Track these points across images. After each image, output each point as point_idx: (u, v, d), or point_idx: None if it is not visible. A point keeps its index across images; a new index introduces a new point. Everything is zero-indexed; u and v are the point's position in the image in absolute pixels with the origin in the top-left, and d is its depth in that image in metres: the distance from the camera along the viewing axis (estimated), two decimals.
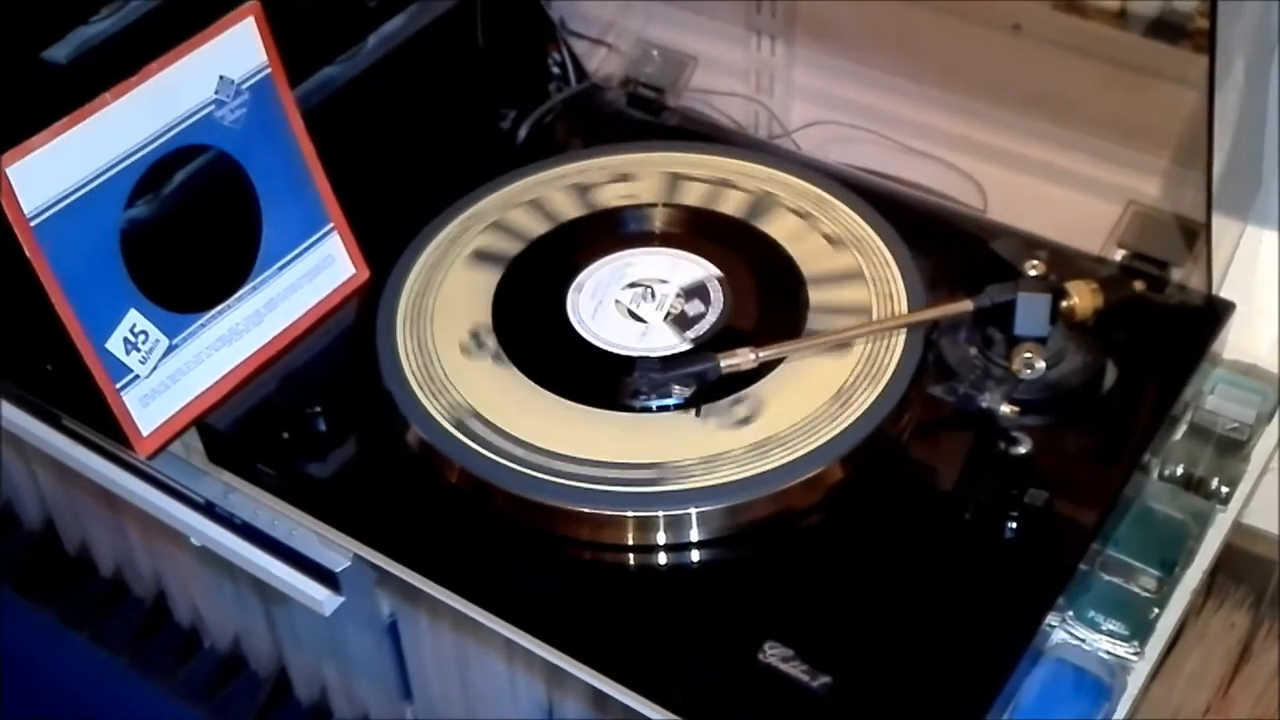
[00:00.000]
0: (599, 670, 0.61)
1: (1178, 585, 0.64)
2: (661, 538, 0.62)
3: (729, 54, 0.90)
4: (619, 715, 0.62)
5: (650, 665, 0.59)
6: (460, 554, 0.64)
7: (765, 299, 0.71)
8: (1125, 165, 0.77)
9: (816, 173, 0.78)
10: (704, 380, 0.65)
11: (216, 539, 0.73)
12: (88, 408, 0.68)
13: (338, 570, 0.69)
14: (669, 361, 0.65)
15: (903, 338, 0.67)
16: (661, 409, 0.65)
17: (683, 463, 0.62)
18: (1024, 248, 0.71)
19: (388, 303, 0.72)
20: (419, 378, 0.68)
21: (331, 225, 0.74)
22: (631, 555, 0.62)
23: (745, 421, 0.64)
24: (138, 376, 0.67)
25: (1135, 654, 0.61)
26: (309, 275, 0.73)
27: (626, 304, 0.71)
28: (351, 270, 0.75)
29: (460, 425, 0.65)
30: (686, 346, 0.68)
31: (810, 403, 0.64)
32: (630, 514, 0.61)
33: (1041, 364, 0.65)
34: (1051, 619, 0.60)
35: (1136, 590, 0.63)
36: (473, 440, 0.64)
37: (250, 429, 0.69)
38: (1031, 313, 0.65)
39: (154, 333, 0.67)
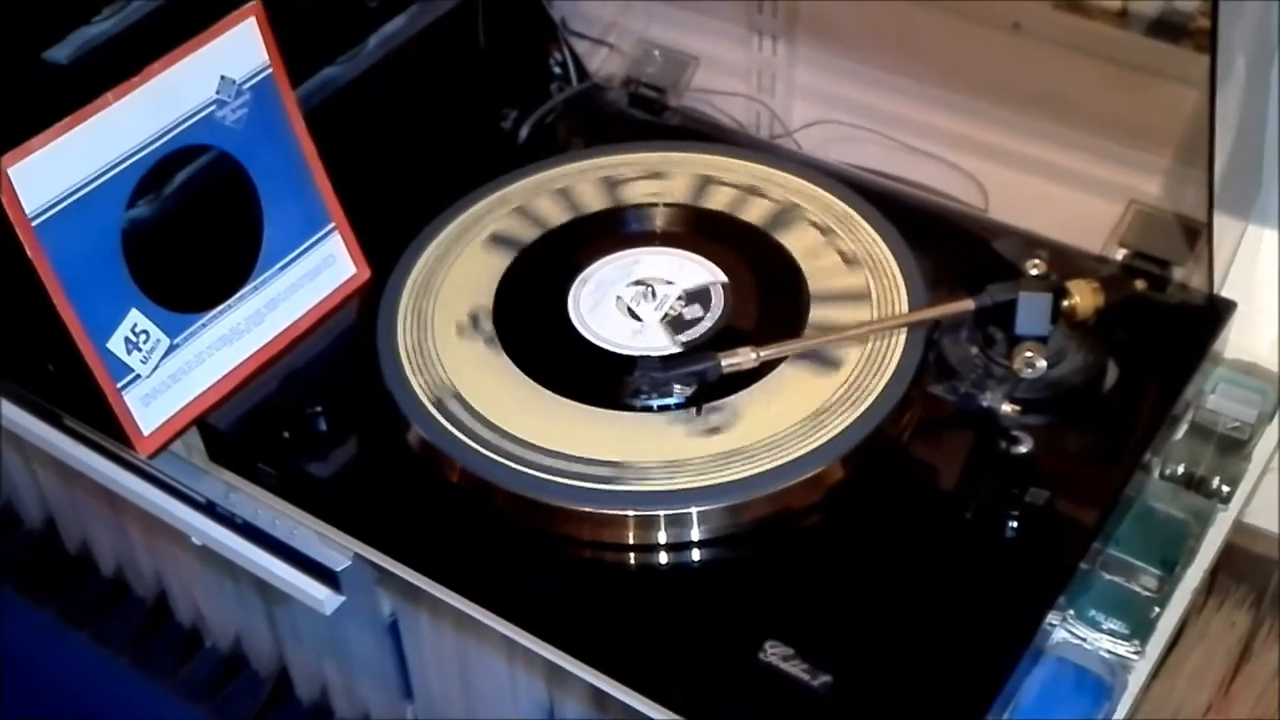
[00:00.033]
0: (599, 669, 0.61)
1: (1179, 584, 0.64)
2: (662, 537, 0.62)
3: (730, 54, 0.90)
4: (619, 714, 0.62)
5: (651, 664, 0.59)
6: (461, 553, 0.64)
7: (768, 312, 0.70)
8: (1126, 164, 0.77)
9: (839, 181, 0.77)
10: (705, 380, 0.65)
11: (217, 538, 0.73)
12: (89, 407, 0.68)
13: (338, 569, 0.69)
14: (670, 361, 0.65)
15: (904, 337, 0.67)
16: (663, 408, 0.65)
17: (686, 462, 0.63)
18: (1025, 247, 0.71)
19: (389, 302, 0.72)
20: (409, 352, 0.69)
21: (332, 225, 0.74)
22: (632, 554, 0.62)
23: (714, 430, 0.64)
24: (139, 376, 0.67)
25: (1136, 653, 0.61)
26: (310, 275, 0.73)
27: (627, 301, 0.71)
28: (352, 270, 0.75)
29: (439, 405, 0.66)
30: (676, 349, 0.68)
31: (789, 416, 0.64)
32: (631, 513, 0.61)
33: (1043, 363, 0.65)
34: (1052, 618, 0.60)
35: (1137, 589, 0.63)
36: (473, 440, 0.64)
37: (251, 428, 0.69)
38: (1033, 312, 0.65)
39: (155, 332, 0.67)
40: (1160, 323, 0.71)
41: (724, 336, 0.69)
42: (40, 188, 0.62)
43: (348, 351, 0.72)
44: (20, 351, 0.74)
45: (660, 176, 0.79)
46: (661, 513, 0.61)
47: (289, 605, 0.78)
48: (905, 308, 0.69)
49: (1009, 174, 0.81)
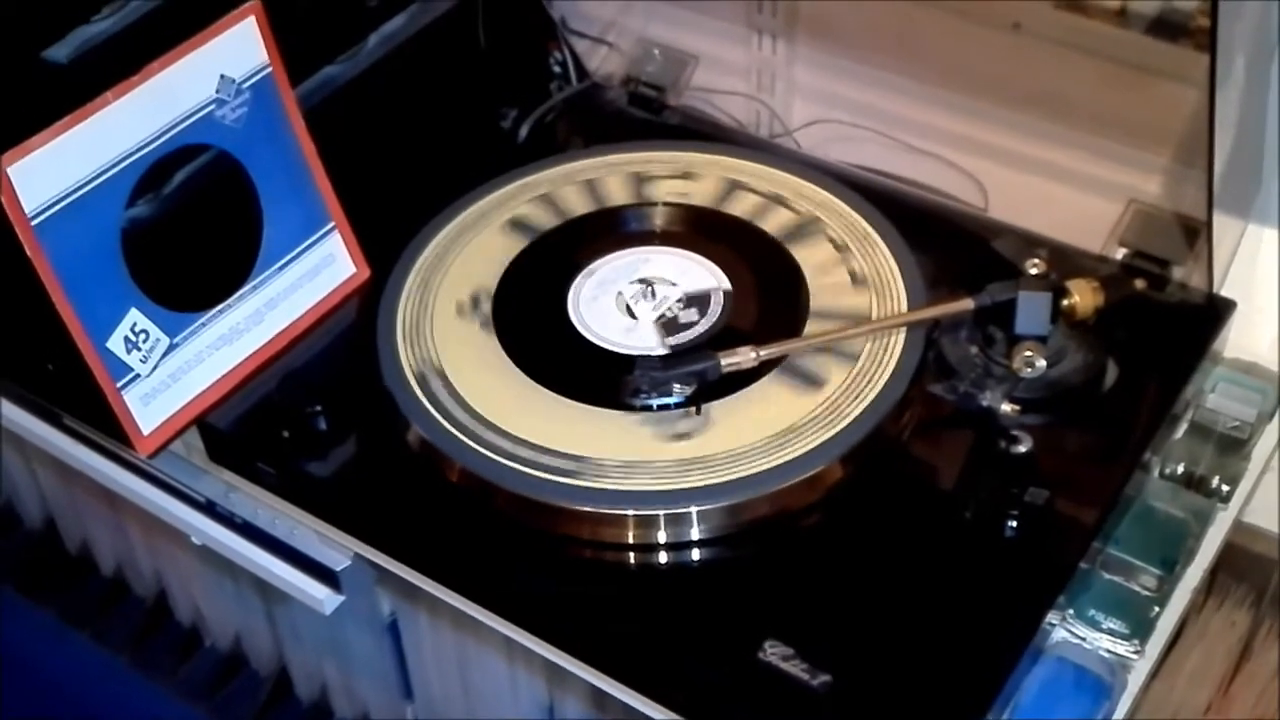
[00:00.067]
0: (599, 669, 0.61)
1: (1178, 584, 0.64)
2: (662, 536, 0.62)
3: (730, 53, 0.90)
4: (619, 714, 0.62)
5: (650, 664, 0.59)
6: (460, 553, 0.64)
7: (765, 323, 0.69)
8: (1126, 164, 0.77)
9: (858, 193, 0.77)
10: (704, 379, 0.65)
11: (217, 538, 0.73)
12: (88, 407, 0.68)
13: (338, 569, 0.69)
14: (670, 360, 0.65)
15: (903, 336, 0.67)
16: (662, 408, 0.65)
17: (682, 461, 0.63)
18: (1025, 246, 0.71)
19: (388, 301, 0.72)
20: (405, 328, 0.69)
21: (332, 224, 0.74)
22: (632, 554, 0.62)
23: (682, 436, 0.64)
24: (138, 375, 0.67)
25: (1136, 652, 0.61)
26: (310, 274, 0.73)
27: (627, 298, 0.71)
28: (352, 269, 0.75)
29: (422, 380, 0.67)
30: (663, 351, 0.68)
31: (757, 431, 0.64)
32: (630, 512, 0.61)
33: (1042, 362, 0.64)
34: (1052, 617, 0.60)
35: (1137, 589, 0.63)
36: (473, 440, 0.64)
37: (251, 428, 0.69)
38: (1032, 311, 0.65)
39: (155, 332, 0.67)
40: (1160, 322, 0.71)
41: (715, 343, 0.68)
42: (40, 187, 0.62)
43: (347, 351, 0.72)
44: (20, 351, 0.74)
45: (689, 177, 0.78)
46: (661, 512, 0.61)
47: (289, 605, 0.78)
48: (905, 307, 0.69)
49: (1009, 173, 0.81)
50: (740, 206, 0.76)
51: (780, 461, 0.62)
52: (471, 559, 0.64)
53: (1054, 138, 0.79)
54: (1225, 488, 0.68)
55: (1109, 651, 0.61)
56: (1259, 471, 0.70)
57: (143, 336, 0.67)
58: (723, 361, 0.64)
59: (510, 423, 0.65)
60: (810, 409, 0.64)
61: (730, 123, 0.89)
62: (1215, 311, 0.72)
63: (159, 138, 0.66)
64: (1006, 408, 0.66)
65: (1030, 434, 0.64)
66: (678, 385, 0.65)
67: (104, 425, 0.69)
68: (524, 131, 0.86)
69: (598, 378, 0.67)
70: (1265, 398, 0.71)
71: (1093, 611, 0.62)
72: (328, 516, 0.68)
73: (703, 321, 0.70)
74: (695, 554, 0.62)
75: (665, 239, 0.75)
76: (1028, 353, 0.64)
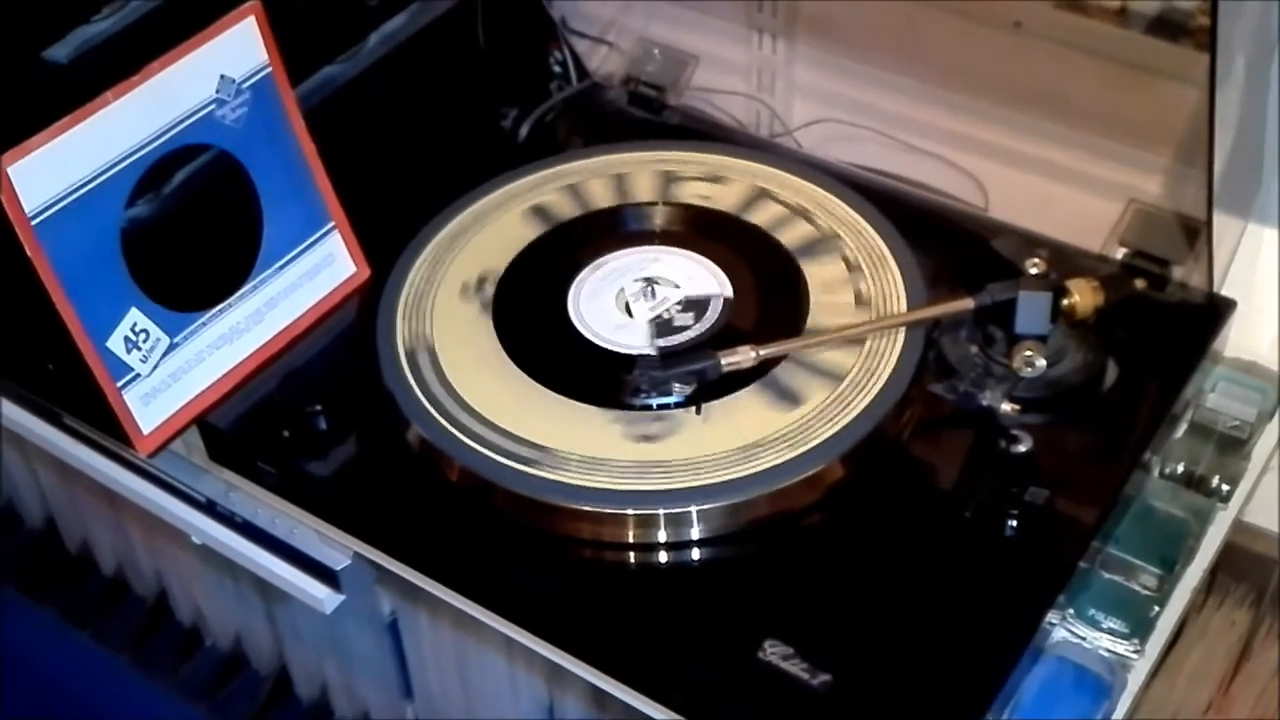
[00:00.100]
0: (599, 669, 0.61)
1: (1178, 583, 0.64)
2: (662, 535, 0.62)
3: (730, 52, 0.90)
4: (619, 714, 0.62)
5: (650, 663, 0.59)
6: (460, 552, 0.64)
7: (758, 333, 0.68)
8: (1126, 163, 0.77)
9: (871, 201, 0.76)
10: (704, 378, 0.65)
11: (217, 537, 0.73)
12: (89, 406, 0.68)
13: (338, 568, 0.69)
14: (669, 359, 0.65)
15: (903, 336, 0.67)
16: (663, 407, 0.65)
17: (684, 460, 0.63)
18: (1025, 246, 0.71)
19: (388, 301, 0.72)
20: (406, 304, 0.70)
21: (332, 224, 0.74)
22: (631, 553, 0.62)
23: (648, 438, 0.64)
24: (138, 375, 0.67)
25: (1135, 652, 0.61)
26: (310, 274, 0.73)
27: (627, 296, 0.71)
28: (352, 269, 0.75)
29: (411, 356, 0.67)
30: (650, 352, 0.68)
31: (722, 442, 0.64)
32: (630, 512, 0.61)
33: (1042, 362, 0.64)
34: (1052, 617, 0.60)
35: (1137, 588, 0.63)
36: (472, 439, 0.64)
37: (251, 427, 0.69)
38: (1032, 311, 0.65)
39: (155, 331, 0.67)
40: (1160, 321, 0.71)
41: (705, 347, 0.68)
42: (40, 187, 0.62)
43: (347, 350, 0.72)
44: (20, 351, 0.74)
45: (718, 180, 0.78)
46: (661, 511, 0.61)
47: (289, 604, 0.78)
48: (904, 307, 0.69)
49: (1009, 173, 0.81)
50: (762, 215, 0.75)
51: (753, 470, 0.62)
52: (471, 558, 0.64)
53: (1054, 137, 0.79)
54: (1225, 487, 0.68)
55: (1109, 651, 0.61)
56: (1259, 471, 0.70)
57: (143, 336, 0.67)
58: (723, 361, 0.64)
59: (487, 407, 0.65)
60: (782, 424, 0.64)
61: (730, 122, 0.89)
62: (1215, 311, 0.72)
63: (159, 137, 0.66)
64: (1006, 407, 0.66)
65: (1030, 433, 0.64)
66: (678, 385, 0.65)
67: (104, 425, 0.69)
68: (524, 131, 0.86)
69: (579, 370, 0.67)
70: (1265, 397, 0.71)
71: (1093, 611, 0.62)
72: (328, 516, 0.68)
73: (696, 326, 0.69)
74: (695, 553, 0.62)
75: (678, 240, 0.74)
76: (1028, 352, 0.64)
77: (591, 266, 0.73)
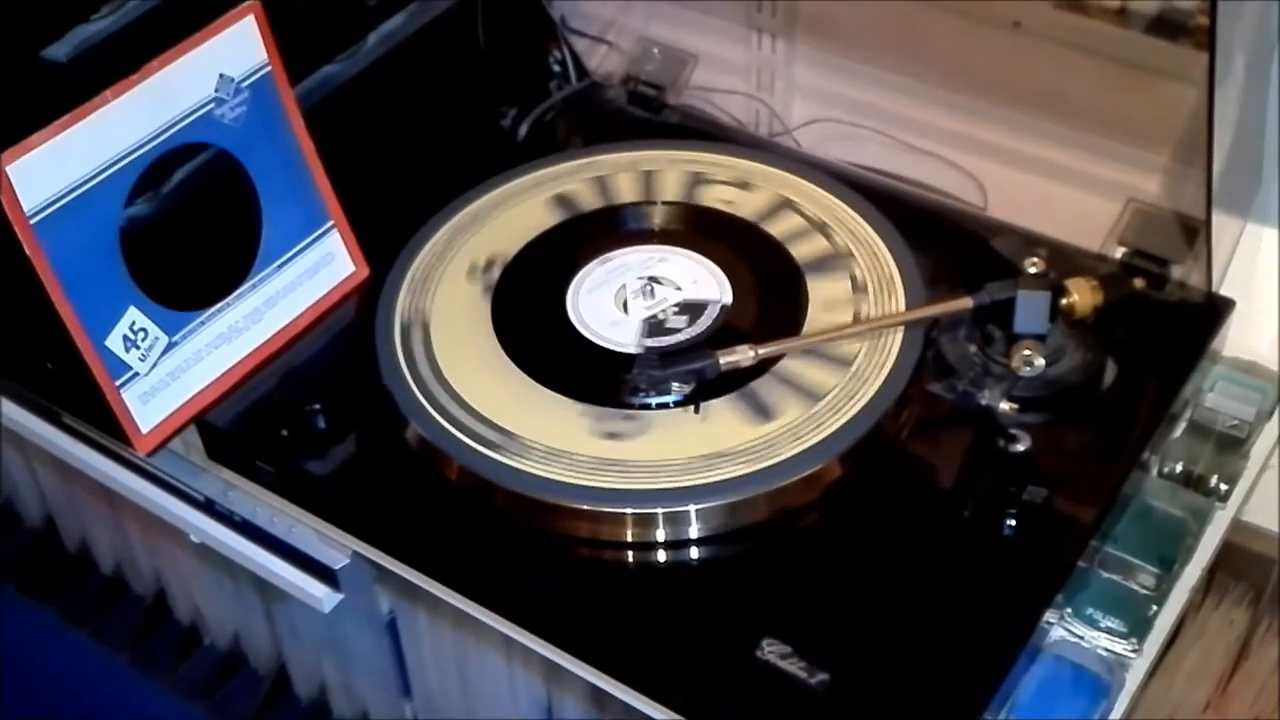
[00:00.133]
0: (598, 668, 0.61)
1: (1176, 583, 0.64)
2: (660, 535, 0.62)
3: (730, 52, 0.90)
4: (618, 713, 0.62)
5: (649, 663, 0.59)
6: (459, 551, 0.64)
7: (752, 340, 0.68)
8: (1125, 163, 0.77)
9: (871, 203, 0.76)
10: (703, 377, 0.65)
11: (216, 536, 0.73)
12: (87, 405, 0.68)
13: (337, 567, 0.69)
14: (668, 359, 0.65)
15: (901, 335, 0.67)
16: (661, 406, 0.65)
17: (683, 460, 0.63)
18: (1024, 245, 0.71)
19: (387, 300, 0.72)
20: (414, 279, 0.71)
21: (331, 223, 0.74)
22: (630, 553, 0.62)
23: (613, 435, 0.64)
24: (137, 374, 0.67)
25: (1134, 651, 0.61)
26: (309, 273, 0.73)
27: (627, 293, 0.71)
28: (351, 268, 0.75)
29: (405, 331, 0.69)
30: (635, 351, 0.68)
31: (684, 449, 0.63)
32: (629, 511, 0.61)
33: (1041, 361, 0.64)
34: (1050, 616, 0.60)
35: (1135, 587, 0.63)
36: (471, 438, 0.64)
37: (250, 426, 0.69)
38: (1031, 310, 0.65)
39: (153, 330, 0.67)
40: (1159, 321, 0.71)
41: (688, 354, 0.67)
42: (39, 185, 0.62)
43: (346, 349, 0.72)
44: (19, 349, 0.74)
45: (745, 186, 0.77)
46: (659, 510, 0.61)
47: (287, 603, 0.78)
48: (903, 306, 0.69)
49: (1008, 172, 0.81)
50: (781, 226, 0.75)
51: (715, 476, 0.62)
52: (470, 557, 0.64)
53: (1053, 137, 0.79)
54: (1224, 487, 0.68)
55: (1107, 650, 0.61)
56: (1257, 470, 0.70)
57: (141, 335, 0.67)
58: (721, 360, 0.64)
59: (486, 405, 0.65)
60: (749, 437, 0.63)
61: (730, 122, 0.89)
62: (1214, 310, 0.72)
63: (158, 136, 0.66)
64: (1005, 406, 0.66)
65: (1029, 433, 0.64)
66: (676, 384, 0.65)
67: (103, 423, 0.69)
68: (523, 130, 0.86)
69: (565, 361, 0.67)
70: (1264, 396, 0.71)
71: (1091, 610, 0.62)
72: (326, 515, 0.68)
73: (686, 330, 0.69)
74: (694, 552, 0.62)
75: (690, 243, 0.74)
76: (1026, 351, 0.64)
77: (600, 260, 0.73)
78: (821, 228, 0.74)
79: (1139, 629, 0.62)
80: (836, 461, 0.63)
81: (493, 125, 0.87)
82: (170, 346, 0.68)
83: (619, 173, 0.79)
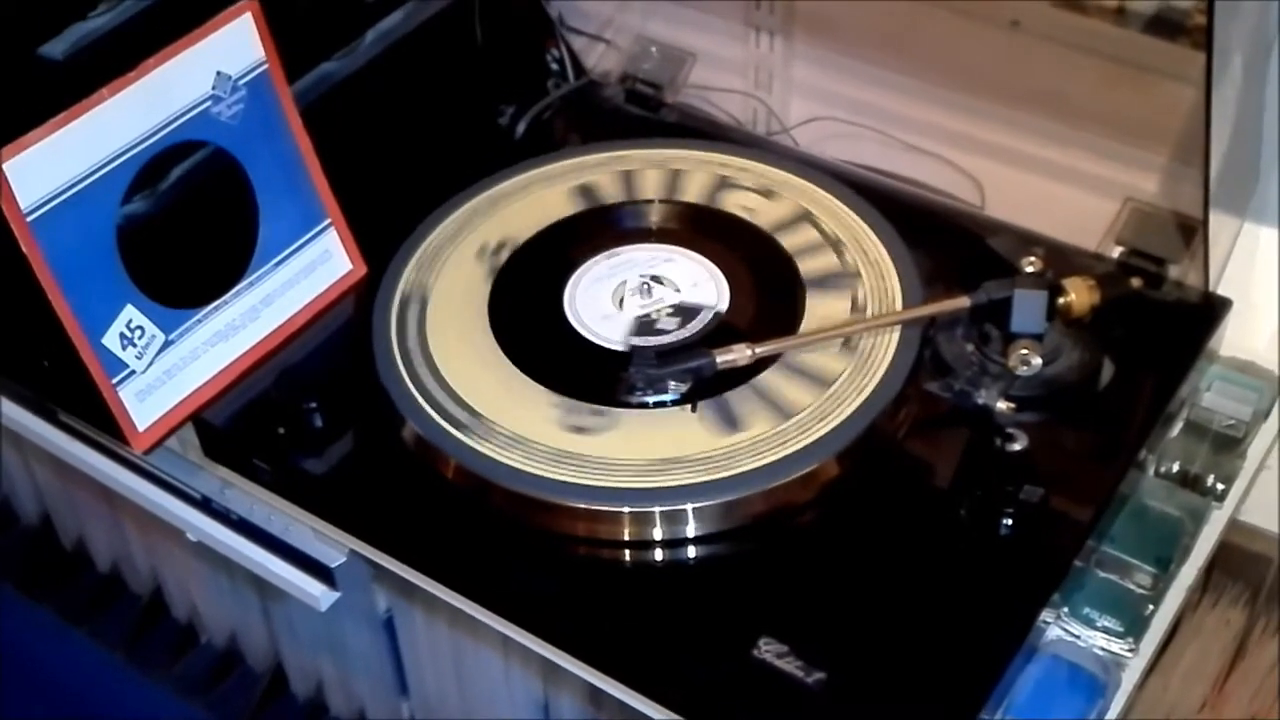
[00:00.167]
0: (595, 667, 0.61)
1: (1173, 582, 0.64)
2: (658, 533, 0.62)
3: (728, 50, 0.90)
4: (615, 712, 0.62)
5: (646, 661, 0.59)
6: (456, 549, 0.64)
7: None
8: (1123, 162, 0.77)
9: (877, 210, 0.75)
10: (700, 376, 0.65)
11: (213, 534, 0.73)
12: (84, 403, 0.68)
13: (333, 566, 0.69)
14: (665, 357, 0.65)
15: (898, 334, 0.67)
16: (659, 405, 0.65)
17: (684, 459, 0.63)
18: (1021, 244, 0.71)
19: (384, 298, 0.72)
20: (425, 253, 0.72)
21: (329, 221, 0.74)
22: (628, 551, 0.62)
23: (580, 430, 0.64)
24: (134, 372, 0.67)
25: (1130, 651, 0.61)
26: (306, 271, 0.73)
27: (625, 290, 0.71)
28: (348, 266, 0.75)
29: (402, 305, 0.69)
30: (619, 348, 0.68)
31: (648, 450, 0.63)
32: (627, 510, 0.61)
33: (1038, 360, 0.64)
34: (1046, 615, 0.60)
35: (1132, 587, 0.63)
36: (469, 436, 0.64)
37: (246, 424, 0.69)
38: (1028, 309, 0.65)
39: (150, 328, 0.67)
40: (1156, 320, 0.71)
41: (674, 356, 0.66)
42: (35, 183, 0.62)
43: (343, 347, 0.72)
44: (15, 347, 0.74)
45: (769, 195, 0.77)
46: (657, 509, 0.61)
47: (284, 601, 0.78)
48: (900, 304, 0.69)
49: (1006, 171, 0.81)
50: (795, 239, 0.74)
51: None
52: (467, 556, 0.63)
53: (1051, 136, 0.79)
54: (1220, 486, 0.68)
55: (1104, 649, 0.61)
56: (1254, 470, 0.70)
57: (138, 333, 0.67)
58: (718, 359, 0.64)
59: (479, 400, 0.66)
60: (716, 445, 0.63)
61: (728, 120, 0.89)
62: (1211, 310, 0.72)
63: (155, 134, 0.66)
64: (1002, 405, 0.66)
65: (1026, 432, 0.64)
66: (673, 383, 0.65)
67: (99, 421, 0.69)
68: (521, 128, 0.86)
69: (547, 351, 0.68)
70: (1261, 396, 0.72)
71: (1087, 609, 0.62)
72: (323, 513, 0.68)
73: (676, 333, 0.69)
74: (691, 551, 0.62)
75: (699, 246, 0.74)
76: (1023, 351, 0.64)
77: (608, 253, 0.73)
78: (835, 244, 0.73)
79: (1135, 628, 0.62)
80: (833, 460, 0.63)
81: (490, 123, 0.86)
82: (167, 344, 0.68)
83: (647, 169, 0.79)
